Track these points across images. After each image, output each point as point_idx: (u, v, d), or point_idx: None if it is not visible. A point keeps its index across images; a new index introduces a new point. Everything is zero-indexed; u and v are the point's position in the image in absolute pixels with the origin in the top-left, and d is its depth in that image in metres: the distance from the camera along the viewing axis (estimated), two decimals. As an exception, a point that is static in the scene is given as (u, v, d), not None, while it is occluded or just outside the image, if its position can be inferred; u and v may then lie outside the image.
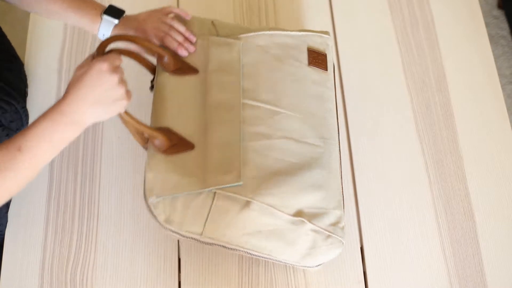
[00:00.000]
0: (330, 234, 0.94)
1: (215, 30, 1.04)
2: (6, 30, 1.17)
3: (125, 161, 1.15)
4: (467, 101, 1.20)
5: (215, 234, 0.91)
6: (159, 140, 0.92)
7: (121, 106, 0.86)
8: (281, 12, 1.28)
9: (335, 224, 0.95)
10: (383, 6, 1.29)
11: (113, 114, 0.86)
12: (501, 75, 1.50)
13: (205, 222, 0.89)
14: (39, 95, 1.20)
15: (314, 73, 1.03)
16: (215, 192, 0.88)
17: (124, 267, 1.07)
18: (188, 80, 0.99)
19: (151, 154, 0.92)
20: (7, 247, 1.08)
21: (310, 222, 0.92)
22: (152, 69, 1.02)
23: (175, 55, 1.00)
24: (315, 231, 0.93)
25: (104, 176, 1.14)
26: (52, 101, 1.20)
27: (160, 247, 1.08)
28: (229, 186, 0.88)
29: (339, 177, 0.99)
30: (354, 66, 1.23)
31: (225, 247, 0.93)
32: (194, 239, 0.91)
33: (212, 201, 0.88)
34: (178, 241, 1.08)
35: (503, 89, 1.41)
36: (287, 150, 0.95)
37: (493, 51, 1.28)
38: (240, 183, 0.88)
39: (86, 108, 0.83)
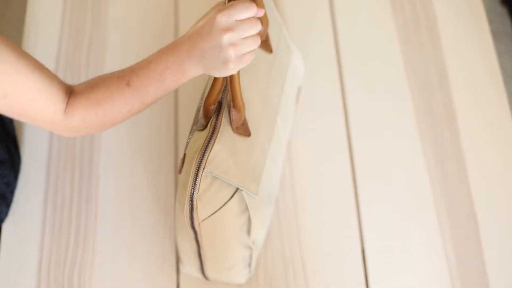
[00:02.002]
0: (250, 265, 1.00)
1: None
2: (3, 27, 1.17)
3: (124, 159, 1.14)
4: (469, 100, 1.20)
5: (208, 229, 0.90)
6: (239, 115, 0.87)
7: (227, 70, 0.76)
8: (281, 10, 1.28)
9: (254, 260, 1.01)
10: (385, 3, 1.29)
11: (219, 75, 0.78)
12: (504, 73, 1.48)
13: (213, 214, 0.88)
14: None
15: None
16: (237, 189, 0.87)
17: (122, 267, 1.06)
18: (264, 58, 0.95)
19: (225, 122, 0.88)
20: (4, 247, 1.08)
21: (252, 251, 0.97)
22: None
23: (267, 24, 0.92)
24: (246, 257, 0.98)
25: (102, 175, 1.13)
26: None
27: (158, 247, 1.07)
28: (248, 194, 0.87)
29: None
30: (355, 65, 1.23)
31: (196, 238, 0.92)
32: (192, 223, 0.89)
33: (231, 197, 0.87)
34: (176, 241, 1.08)
35: (507, 87, 1.40)
36: (274, 179, 0.98)
37: (496, 48, 1.27)
38: (256, 197, 0.88)
39: (192, 58, 0.76)
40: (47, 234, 1.09)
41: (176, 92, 1.20)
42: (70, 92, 0.83)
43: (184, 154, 0.88)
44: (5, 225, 1.09)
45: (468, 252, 1.07)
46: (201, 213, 0.87)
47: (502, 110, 1.19)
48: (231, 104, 0.85)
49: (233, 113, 0.86)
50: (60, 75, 1.21)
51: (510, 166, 1.14)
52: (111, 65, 1.22)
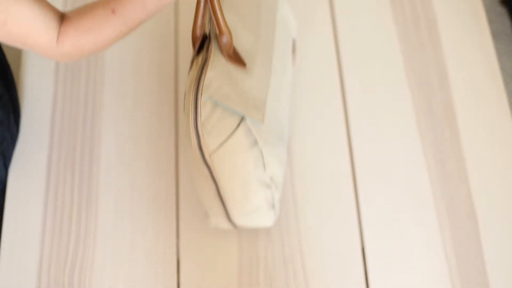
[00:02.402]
0: (274, 207, 1.00)
1: None
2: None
3: (124, 160, 1.14)
4: (469, 100, 1.19)
5: (221, 163, 0.90)
6: (227, 39, 0.89)
7: None
8: (281, 9, 1.28)
9: (277, 200, 1.02)
10: (385, 3, 1.28)
11: None
12: (504, 73, 1.49)
13: (221, 145, 0.88)
14: (35, 85, 1.20)
15: None
16: (242, 118, 0.88)
17: (122, 267, 1.06)
18: None
19: (216, 51, 0.90)
20: (4, 247, 1.08)
21: (273, 190, 0.98)
22: None
23: None
24: (268, 198, 0.98)
25: (102, 175, 1.13)
26: (49, 90, 1.19)
27: (159, 248, 1.07)
28: (254, 122, 0.88)
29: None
30: (355, 65, 1.23)
31: (211, 174, 0.93)
32: (203, 156, 0.90)
33: (237, 126, 0.88)
34: (177, 241, 1.08)
35: (507, 87, 1.40)
36: (283, 120, 0.99)
37: (496, 48, 1.27)
38: (262, 125, 0.89)
39: None
40: (47, 235, 1.09)
41: (176, 92, 1.20)
42: (62, 20, 0.89)
43: (185, 94, 0.90)
44: (5, 226, 1.10)
45: (468, 252, 1.07)
46: (208, 142, 0.87)
47: (502, 110, 1.19)
48: (217, 32, 0.88)
49: (221, 38, 0.88)
50: (60, 76, 1.21)
51: (510, 166, 1.14)
52: (111, 65, 1.22)
